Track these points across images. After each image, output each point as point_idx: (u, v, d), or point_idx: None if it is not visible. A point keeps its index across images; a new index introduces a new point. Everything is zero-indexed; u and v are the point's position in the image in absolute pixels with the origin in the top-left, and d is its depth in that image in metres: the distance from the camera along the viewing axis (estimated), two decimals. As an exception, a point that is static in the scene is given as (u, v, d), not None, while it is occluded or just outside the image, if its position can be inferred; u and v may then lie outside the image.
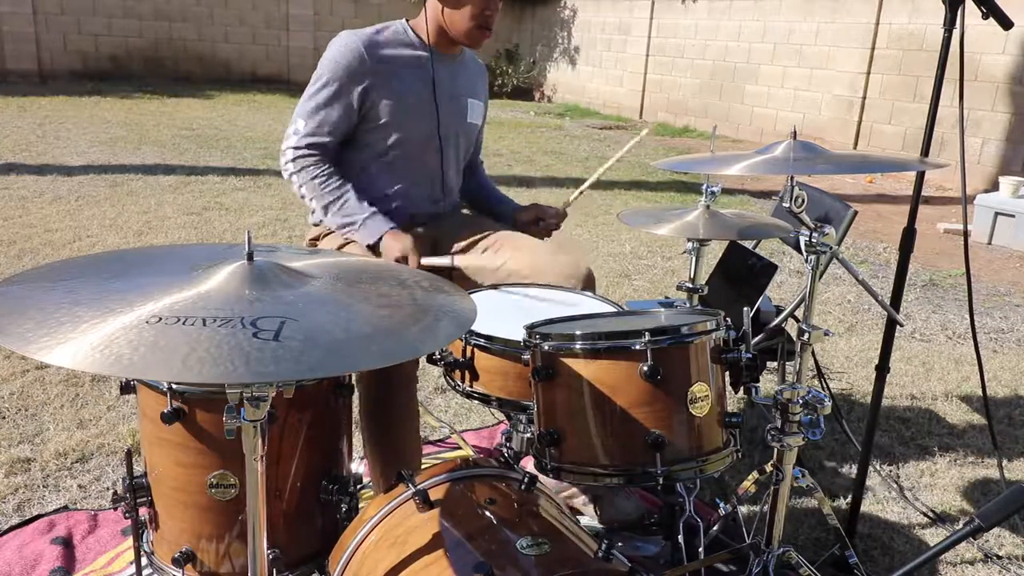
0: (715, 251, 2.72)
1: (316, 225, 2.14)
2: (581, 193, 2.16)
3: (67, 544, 1.91)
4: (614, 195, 6.36)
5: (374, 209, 1.98)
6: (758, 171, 1.50)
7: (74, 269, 1.16)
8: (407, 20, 2.10)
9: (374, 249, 1.96)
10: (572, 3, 13.25)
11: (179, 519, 1.44)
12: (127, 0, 11.99)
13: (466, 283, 2.05)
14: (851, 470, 2.43)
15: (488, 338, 1.60)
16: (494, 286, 1.94)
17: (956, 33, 1.80)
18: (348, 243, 2.04)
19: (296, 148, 2.00)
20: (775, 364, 2.47)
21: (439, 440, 2.51)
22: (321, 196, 1.99)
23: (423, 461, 2.00)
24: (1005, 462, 2.53)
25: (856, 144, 8.51)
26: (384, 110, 2.00)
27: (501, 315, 1.71)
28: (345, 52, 1.97)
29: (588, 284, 2.00)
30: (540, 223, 2.20)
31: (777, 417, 1.61)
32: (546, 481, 1.57)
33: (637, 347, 1.38)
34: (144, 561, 1.51)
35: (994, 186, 6.51)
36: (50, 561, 1.85)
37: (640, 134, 2.13)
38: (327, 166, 2.01)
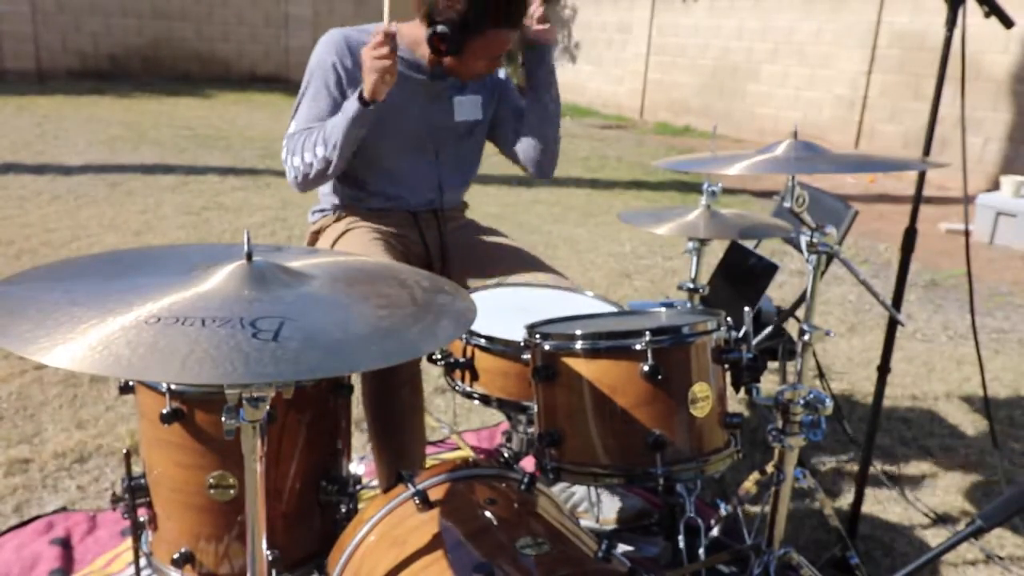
0: (716, 251, 2.72)
1: (314, 223, 2.13)
2: None
3: (66, 545, 1.91)
4: (614, 195, 6.36)
5: (338, 119, 1.87)
6: (759, 171, 1.50)
7: (73, 269, 1.15)
8: (396, 22, 2.05)
9: (370, 98, 1.81)
10: (572, 2, 13.24)
11: (178, 520, 1.43)
12: (126, -1, 12.00)
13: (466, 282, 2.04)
14: (852, 471, 2.42)
15: (488, 338, 1.60)
16: (494, 285, 1.94)
17: (957, 32, 1.79)
18: (345, 232, 2.02)
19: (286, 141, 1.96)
20: (776, 364, 2.46)
21: (439, 441, 2.51)
22: (315, 144, 1.89)
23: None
24: (1006, 463, 2.53)
25: (857, 144, 8.50)
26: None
27: (501, 315, 1.71)
28: (329, 47, 1.97)
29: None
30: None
31: (778, 418, 1.60)
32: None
33: (638, 347, 1.37)
34: (143, 562, 1.51)
35: (995, 186, 6.51)
36: (49, 562, 1.84)
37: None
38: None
